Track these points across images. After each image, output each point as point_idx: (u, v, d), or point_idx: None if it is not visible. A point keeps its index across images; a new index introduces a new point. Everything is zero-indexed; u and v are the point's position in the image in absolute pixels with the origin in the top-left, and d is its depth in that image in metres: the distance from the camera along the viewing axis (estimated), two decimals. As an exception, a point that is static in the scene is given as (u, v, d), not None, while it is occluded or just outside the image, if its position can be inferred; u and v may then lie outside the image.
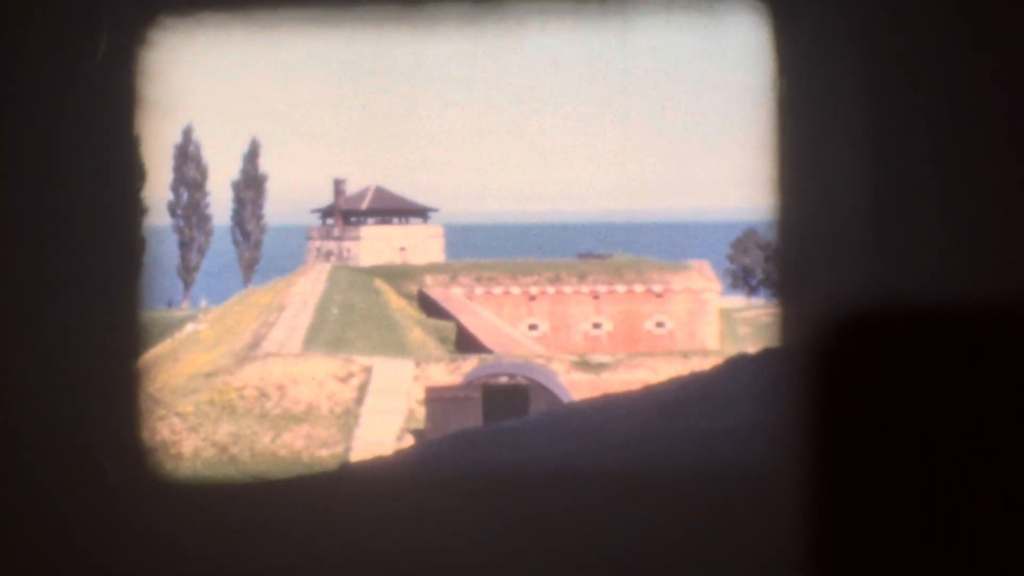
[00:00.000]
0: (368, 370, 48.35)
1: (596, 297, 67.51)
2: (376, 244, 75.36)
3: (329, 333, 54.87)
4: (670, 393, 6.57)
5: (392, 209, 79.08)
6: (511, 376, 45.34)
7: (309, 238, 78.12)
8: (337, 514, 4.67)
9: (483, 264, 71.18)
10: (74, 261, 4.40)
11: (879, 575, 3.85)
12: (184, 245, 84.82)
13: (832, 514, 3.88)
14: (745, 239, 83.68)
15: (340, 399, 46.49)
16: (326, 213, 78.65)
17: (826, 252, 4.25)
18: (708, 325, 67.43)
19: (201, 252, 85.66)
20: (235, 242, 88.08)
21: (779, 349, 4.62)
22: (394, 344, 56.01)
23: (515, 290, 67.52)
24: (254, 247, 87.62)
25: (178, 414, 44.16)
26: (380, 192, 79.87)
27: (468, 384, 44.76)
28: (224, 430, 44.44)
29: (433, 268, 70.69)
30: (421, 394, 45.04)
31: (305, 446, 43.79)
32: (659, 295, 67.67)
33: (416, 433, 42.16)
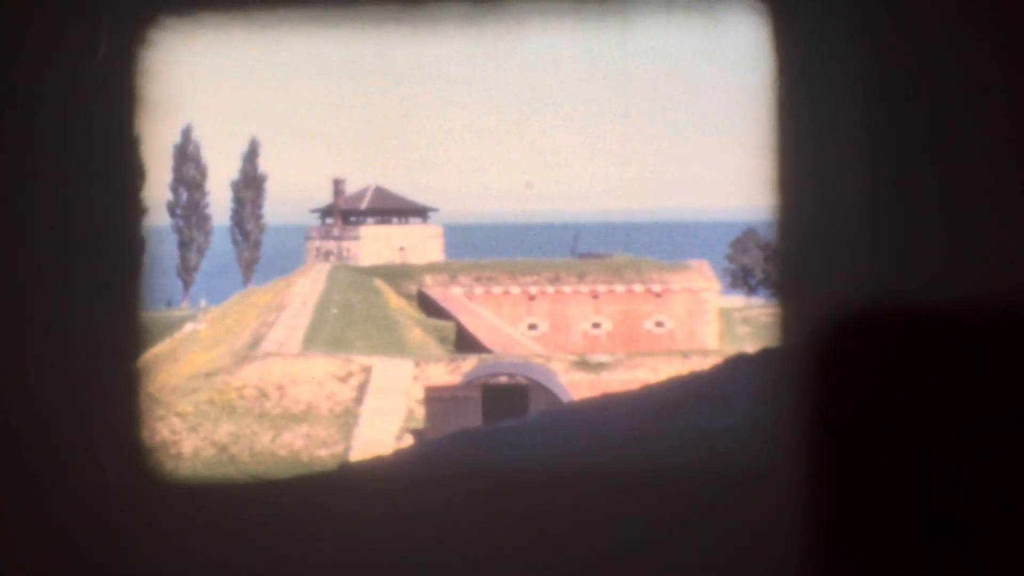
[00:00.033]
0: (367, 370, 48.36)
1: (595, 297, 67.50)
2: (375, 244, 75.34)
3: (329, 333, 54.87)
4: (669, 393, 6.56)
5: (391, 209, 79.05)
6: (510, 376, 45.36)
7: (308, 238, 78.09)
8: (336, 514, 4.67)
9: (482, 264, 71.17)
10: (74, 261, 4.40)
11: (879, 575, 3.85)
12: (183, 245, 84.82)
13: (832, 514, 3.88)
14: (744, 239, 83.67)
15: (340, 399, 46.50)
16: (325, 213, 78.62)
17: (826, 252, 4.25)
18: (707, 325, 67.42)
19: (200, 252, 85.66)
20: (234, 242, 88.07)
21: (778, 349, 4.62)
22: (393, 344, 56.01)
23: (514, 290, 67.51)
24: (253, 247, 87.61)
25: (178, 414, 44.17)
26: (379, 192, 79.86)
27: (467, 384, 44.78)
28: (224, 430, 44.44)
29: (432, 268, 70.68)
30: (420, 394, 45.06)
31: (305, 446, 43.80)
32: (658, 295, 67.66)
33: (415, 433, 42.18)
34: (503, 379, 45.01)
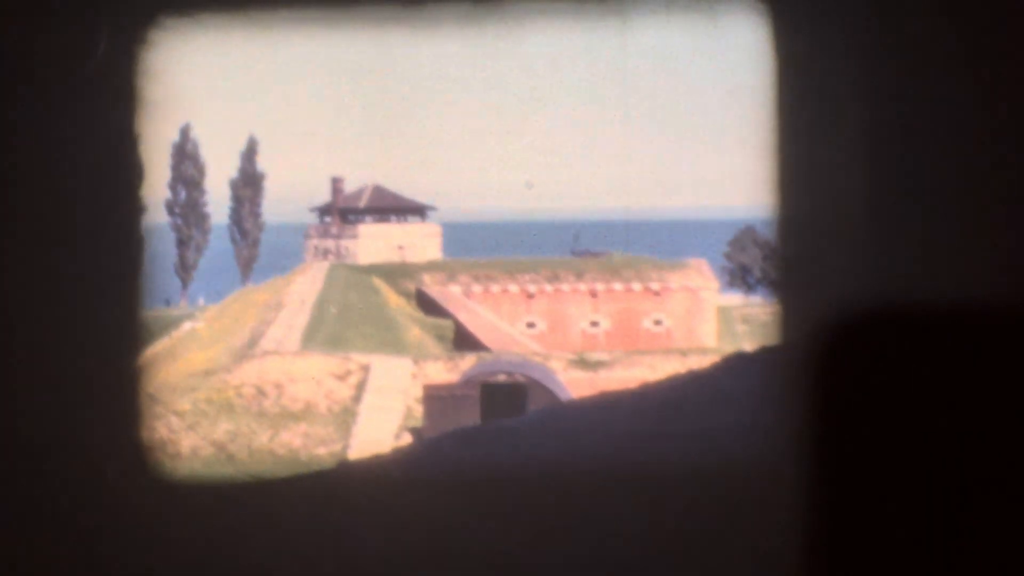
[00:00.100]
0: (366, 368, 48.37)
1: (594, 295, 67.52)
2: (374, 242, 75.33)
3: (327, 331, 54.88)
4: (668, 391, 6.56)
5: (390, 207, 79.04)
6: (509, 374, 45.37)
7: (307, 236, 78.08)
8: (335, 512, 4.67)
9: (481, 262, 71.19)
10: (74, 259, 4.40)
11: (878, 574, 3.85)
12: (182, 243, 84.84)
13: (831, 513, 3.88)
14: (743, 237, 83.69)
15: (338, 397, 46.50)
16: (324, 211, 78.61)
17: (825, 251, 4.25)
18: (706, 323, 67.44)
19: (199, 250, 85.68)
20: (233, 240, 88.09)
21: (778, 347, 4.62)
22: (392, 342, 56.02)
23: (513, 288, 67.52)
24: (252, 245, 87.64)
25: (176, 412, 44.16)
26: (378, 190, 79.84)
27: (466, 382, 44.79)
28: (222, 428, 44.45)
29: (431, 266, 70.70)
30: (419, 392, 45.07)
31: (303, 444, 43.81)
32: (657, 293, 67.68)
33: (414, 431, 42.19)
34: (502, 377, 45.02)
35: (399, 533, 4.54)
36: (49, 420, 4.37)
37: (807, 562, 3.98)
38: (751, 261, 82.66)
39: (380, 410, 45.47)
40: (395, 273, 69.26)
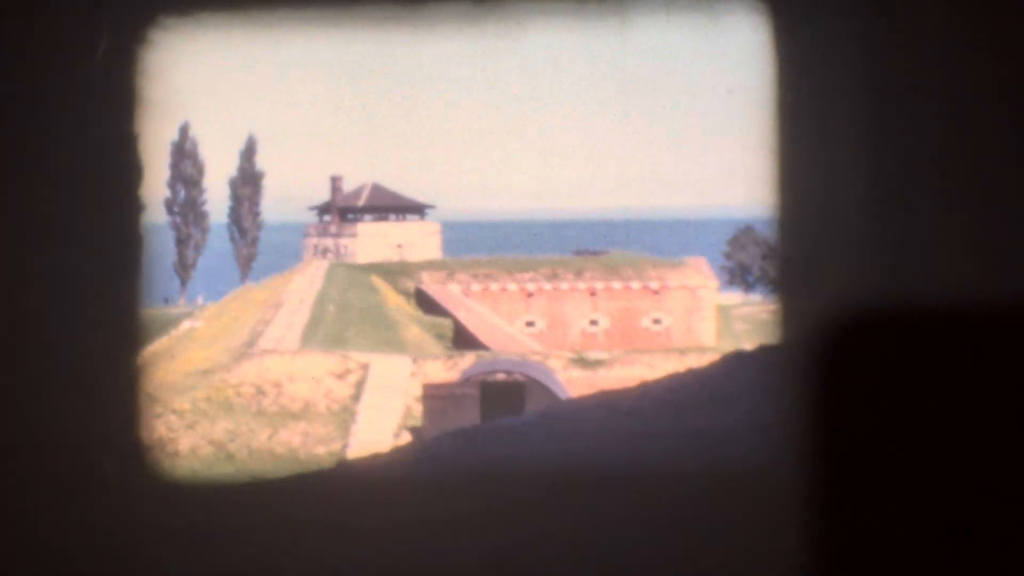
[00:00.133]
0: (365, 367, 48.36)
1: (593, 294, 67.52)
2: (373, 241, 75.33)
3: (326, 330, 54.87)
4: (667, 390, 6.56)
5: (389, 206, 79.05)
6: (508, 373, 45.35)
7: (306, 235, 78.08)
8: (334, 511, 4.67)
9: (480, 261, 71.19)
10: (73, 259, 4.41)
11: (879, 574, 3.85)
12: (181, 242, 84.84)
13: (830, 513, 3.88)
14: (742, 236, 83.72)
15: (337, 396, 46.49)
16: (323, 210, 78.62)
17: (825, 251, 4.26)
18: (705, 322, 67.44)
19: (198, 249, 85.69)
20: (232, 239, 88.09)
21: (777, 347, 4.63)
22: (391, 341, 56.01)
23: (512, 287, 67.52)
24: (251, 244, 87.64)
25: (175, 411, 44.15)
26: (377, 189, 79.84)
27: (465, 381, 44.78)
28: (221, 427, 44.44)
29: (430, 265, 70.69)
30: (418, 391, 45.07)
31: (302, 443, 43.80)
32: (656, 292, 67.68)
33: (413, 430, 42.19)
34: (501, 376, 45.00)
35: (398, 532, 4.54)
36: (49, 419, 4.38)
37: (806, 561, 3.98)
38: (750, 260, 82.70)
39: (379, 409, 45.46)
40: (394, 272, 69.27)
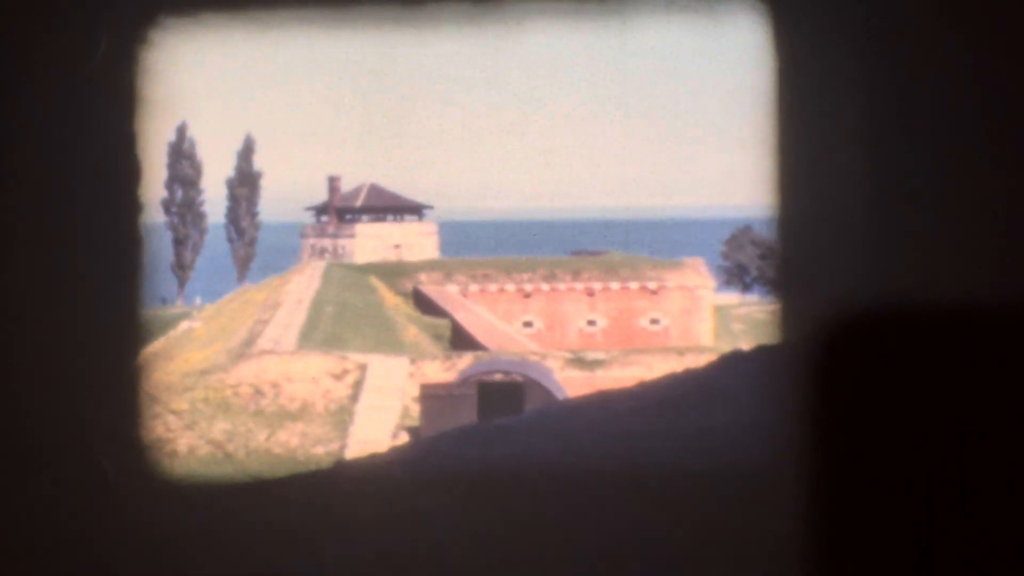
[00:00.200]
0: (363, 367, 48.34)
1: (591, 294, 67.52)
2: (371, 242, 75.32)
3: (324, 330, 54.85)
4: (665, 390, 6.56)
5: (386, 207, 79.02)
6: (506, 373, 45.33)
7: (304, 236, 78.06)
8: (332, 511, 4.67)
9: (478, 261, 71.20)
10: (73, 259, 4.41)
11: (877, 573, 3.85)
12: (178, 242, 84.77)
13: (829, 512, 3.88)
14: (739, 236, 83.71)
15: (335, 396, 46.48)
16: (320, 211, 78.59)
17: (825, 251, 4.26)
18: (703, 322, 67.44)
19: (195, 250, 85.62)
20: (229, 240, 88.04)
21: (775, 347, 4.63)
22: (389, 341, 55.99)
23: (510, 287, 67.52)
24: (249, 244, 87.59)
25: (173, 412, 44.13)
26: (374, 189, 79.82)
27: (463, 381, 44.76)
28: (219, 428, 44.42)
29: (428, 265, 70.68)
30: (416, 391, 45.05)
31: (300, 444, 43.78)
32: (654, 292, 67.68)
33: (411, 430, 42.18)
34: (499, 377, 44.98)
35: (395, 531, 4.54)
36: (49, 419, 4.38)
37: (805, 560, 3.98)
38: (748, 260, 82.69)
39: (377, 409, 45.44)
40: (392, 272, 69.26)
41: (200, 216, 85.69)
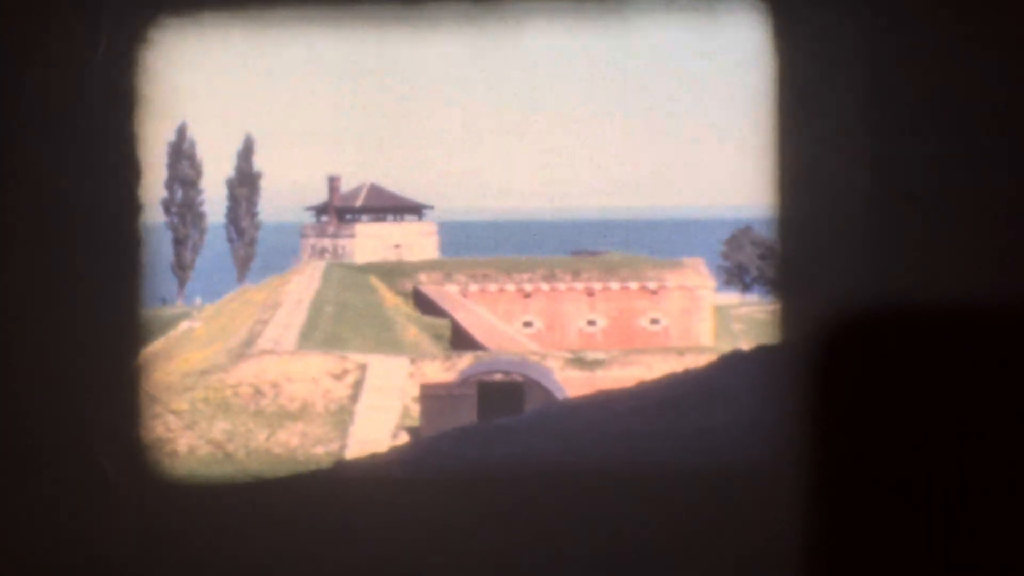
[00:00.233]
0: (363, 367, 48.37)
1: (591, 294, 67.55)
2: (371, 242, 75.36)
3: (324, 330, 54.87)
4: (665, 390, 6.56)
5: (386, 207, 79.05)
6: (506, 373, 45.36)
7: (304, 236, 78.11)
8: (332, 512, 4.67)
9: (478, 261, 71.24)
10: (73, 259, 4.41)
11: (877, 573, 3.85)
12: (178, 242, 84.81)
13: (829, 513, 3.88)
14: (739, 236, 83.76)
15: (335, 396, 46.50)
16: (320, 211, 78.61)
17: (825, 251, 4.25)
18: (702, 322, 67.48)
19: (195, 250, 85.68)
20: (229, 240, 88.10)
21: (776, 347, 4.63)
22: (389, 341, 56.02)
23: (510, 287, 67.56)
24: (248, 244, 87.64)
25: (173, 412, 44.15)
26: (374, 189, 79.85)
27: (463, 381, 44.78)
28: (219, 428, 44.45)
29: (428, 265, 70.72)
30: (416, 391, 45.08)
31: (300, 444, 43.80)
32: (654, 292, 67.72)
33: (411, 430, 42.20)
34: (499, 377, 45.01)
35: (395, 532, 4.54)
36: (49, 419, 4.38)
37: (804, 562, 3.98)
38: (747, 260, 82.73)
39: (377, 409, 45.46)
40: (392, 272, 69.29)
41: (200, 216, 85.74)
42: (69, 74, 4.30)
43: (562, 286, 67.31)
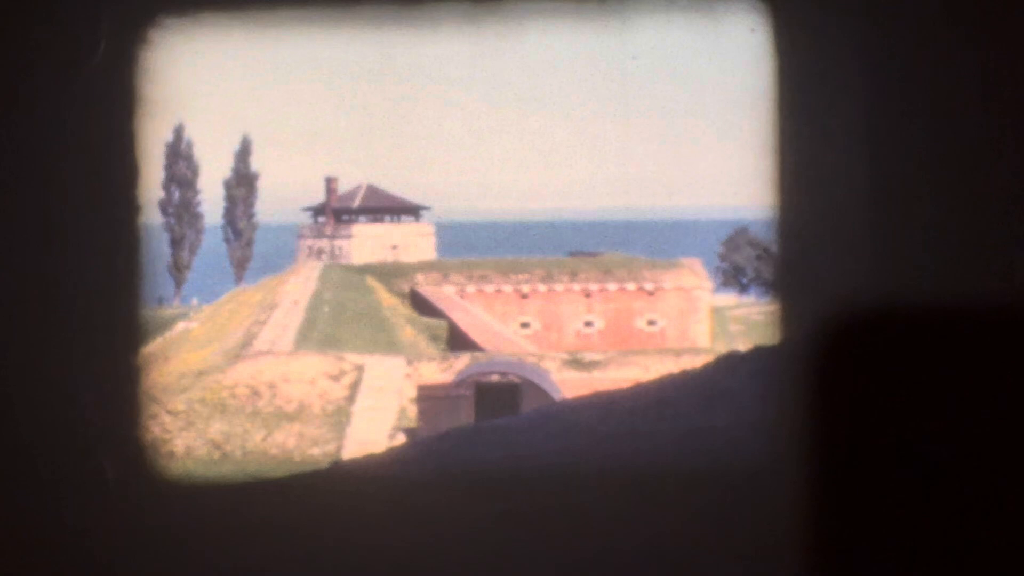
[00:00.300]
0: (360, 368, 48.32)
1: (588, 295, 67.53)
2: (368, 242, 75.33)
3: (321, 331, 54.83)
4: (662, 391, 6.56)
5: (383, 207, 79.04)
6: (503, 374, 45.34)
7: (301, 236, 78.07)
8: (328, 512, 4.67)
9: (475, 262, 71.21)
10: (72, 259, 4.41)
11: (877, 573, 3.85)
12: (175, 243, 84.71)
13: (827, 512, 3.88)
14: (736, 237, 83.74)
15: (332, 397, 46.46)
16: (318, 211, 78.58)
17: (825, 251, 4.26)
18: (699, 323, 67.45)
19: (192, 250, 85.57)
20: (226, 240, 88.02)
21: (773, 347, 4.63)
22: (386, 342, 55.99)
23: (507, 288, 67.53)
24: (245, 245, 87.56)
25: (170, 412, 44.11)
26: (372, 190, 79.83)
27: (460, 382, 44.77)
28: (216, 428, 44.41)
29: (425, 266, 70.68)
30: (413, 392, 45.06)
31: (297, 444, 43.77)
32: (650, 293, 67.69)
33: (408, 431, 42.17)
34: (495, 377, 44.99)
35: (392, 532, 4.54)
36: (48, 419, 4.37)
37: (804, 560, 3.99)
38: (745, 261, 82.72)
39: (374, 410, 45.44)
40: (389, 273, 69.25)
41: (197, 217, 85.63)
42: (69, 74, 4.30)
43: (559, 287, 67.30)
